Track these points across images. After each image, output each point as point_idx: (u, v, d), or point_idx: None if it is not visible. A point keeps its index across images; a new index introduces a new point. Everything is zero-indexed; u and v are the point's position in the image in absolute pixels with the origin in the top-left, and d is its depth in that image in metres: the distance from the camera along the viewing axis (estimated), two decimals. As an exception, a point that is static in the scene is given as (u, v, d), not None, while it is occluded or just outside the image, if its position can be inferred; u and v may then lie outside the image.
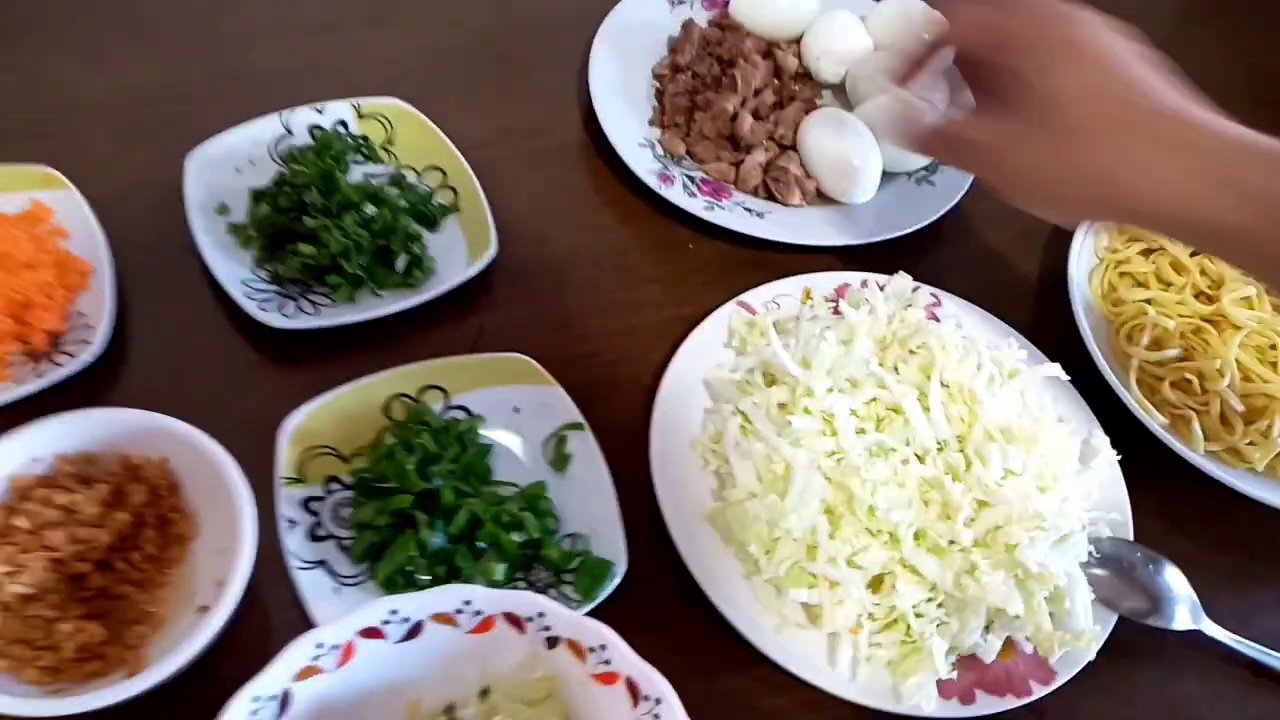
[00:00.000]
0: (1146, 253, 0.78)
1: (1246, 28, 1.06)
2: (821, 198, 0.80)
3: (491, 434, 0.64)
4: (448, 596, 0.49)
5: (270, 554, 0.56)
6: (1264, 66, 1.02)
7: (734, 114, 0.81)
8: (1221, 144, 0.51)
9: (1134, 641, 0.62)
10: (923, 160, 0.81)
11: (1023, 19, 0.54)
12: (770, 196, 0.79)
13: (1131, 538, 0.65)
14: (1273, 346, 0.71)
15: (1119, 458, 0.68)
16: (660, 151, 0.80)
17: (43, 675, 0.51)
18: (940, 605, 0.58)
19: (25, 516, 0.54)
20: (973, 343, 0.68)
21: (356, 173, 0.74)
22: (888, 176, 0.81)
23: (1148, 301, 0.74)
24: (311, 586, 0.57)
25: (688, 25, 0.88)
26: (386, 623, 0.48)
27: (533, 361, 0.66)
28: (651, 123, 0.83)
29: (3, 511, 0.54)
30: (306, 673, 0.47)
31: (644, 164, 0.78)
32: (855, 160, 0.78)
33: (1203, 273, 0.75)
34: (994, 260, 0.81)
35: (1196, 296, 0.75)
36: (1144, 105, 0.52)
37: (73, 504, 0.54)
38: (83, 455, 0.56)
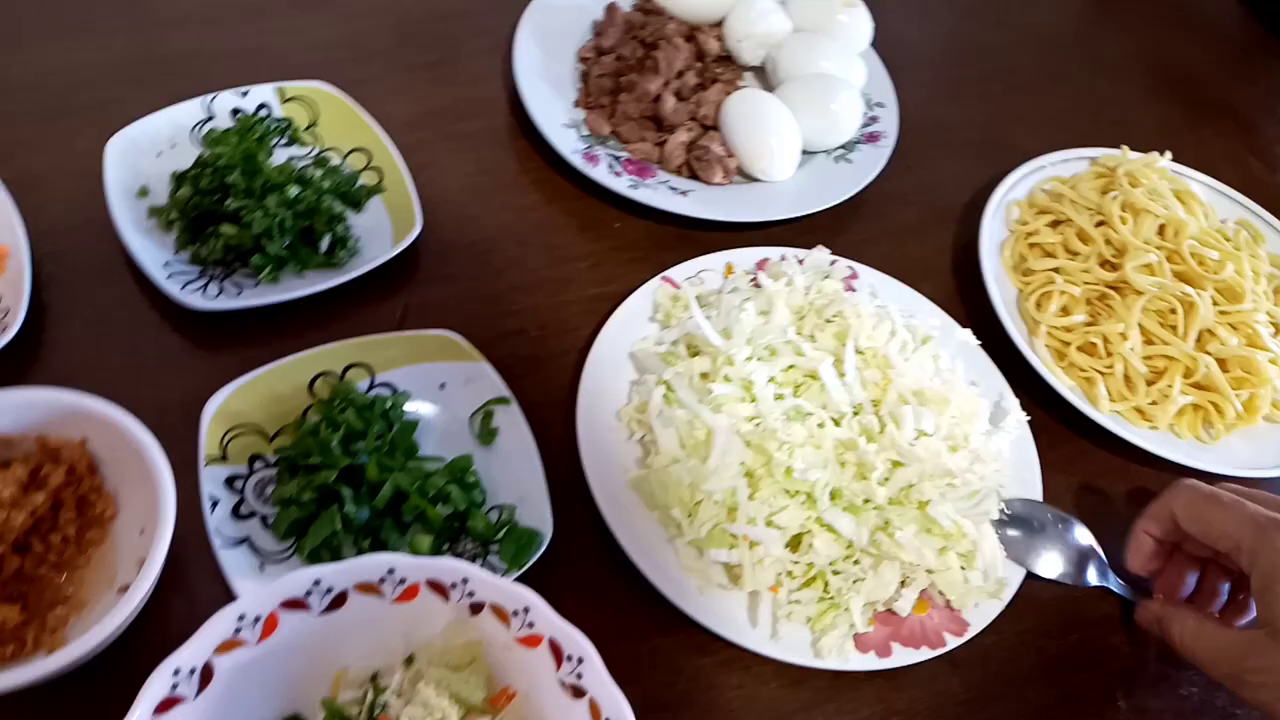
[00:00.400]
0: (1055, 224, 0.81)
1: (1151, 17, 1.10)
2: (743, 176, 0.82)
3: (418, 410, 0.64)
4: (371, 565, 0.49)
5: (194, 534, 0.56)
6: (1167, 54, 1.07)
7: (657, 95, 0.82)
8: None
9: (1043, 595, 0.65)
10: (840, 138, 0.83)
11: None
12: (693, 175, 0.81)
13: (1040, 497, 0.68)
14: (1173, 311, 0.74)
15: (1029, 419, 0.70)
16: (585, 132, 0.81)
17: (-43, 660, 0.50)
18: (856, 562, 0.60)
19: (-62, 499, 0.53)
20: (886, 310, 0.70)
21: (280, 156, 0.73)
22: (806, 155, 0.83)
23: (1055, 270, 0.77)
24: (235, 564, 0.56)
25: (611, 9, 0.89)
26: (309, 593, 0.49)
27: (458, 338, 0.66)
28: (576, 104, 0.83)
29: (-85, 495, 0.53)
30: (229, 645, 0.47)
31: (569, 144, 0.79)
32: (774, 139, 0.80)
33: (1107, 242, 0.78)
34: (909, 234, 0.83)
35: (1101, 265, 0.77)
36: None
37: (-14, 487, 0.54)
38: (-3, 437, 0.56)
